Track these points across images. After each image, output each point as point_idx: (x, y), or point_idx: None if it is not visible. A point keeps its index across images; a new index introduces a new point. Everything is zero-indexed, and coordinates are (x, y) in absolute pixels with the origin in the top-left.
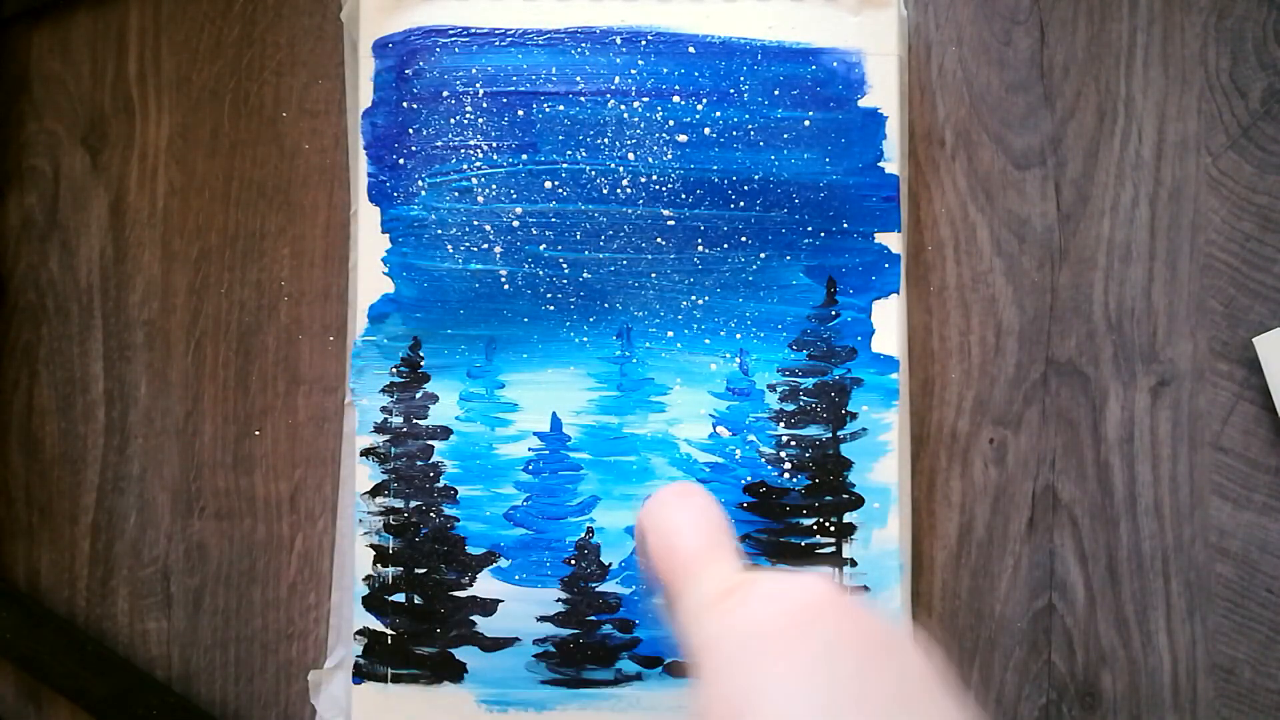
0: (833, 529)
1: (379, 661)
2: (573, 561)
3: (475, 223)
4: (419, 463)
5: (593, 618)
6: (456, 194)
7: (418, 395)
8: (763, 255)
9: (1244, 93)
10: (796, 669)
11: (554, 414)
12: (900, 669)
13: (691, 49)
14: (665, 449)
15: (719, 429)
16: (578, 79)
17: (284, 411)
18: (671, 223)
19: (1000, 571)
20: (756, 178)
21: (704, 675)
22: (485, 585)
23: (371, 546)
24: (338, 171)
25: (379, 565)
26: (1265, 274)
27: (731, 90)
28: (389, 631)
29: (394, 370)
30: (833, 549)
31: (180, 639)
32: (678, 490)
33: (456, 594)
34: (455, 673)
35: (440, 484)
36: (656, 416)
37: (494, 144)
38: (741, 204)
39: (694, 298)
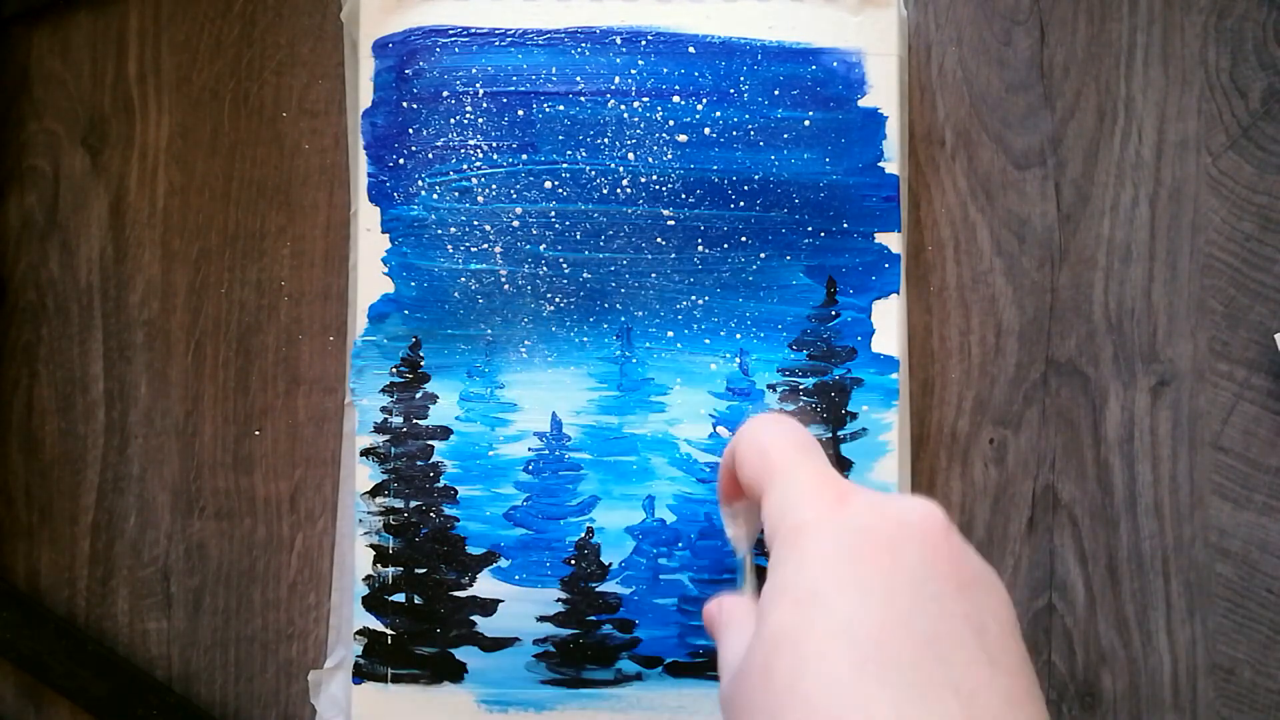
0: None
1: (379, 661)
2: (573, 561)
3: (475, 223)
4: (419, 463)
5: (593, 618)
6: (456, 194)
7: (418, 395)
8: (763, 255)
9: (1244, 93)
10: (877, 582)
11: (554, 414)
12: (975, 608)
13: (691, 49)
14: (665, 449)
15: (719, 429)
16: (578, 79)
17: (284, 411)
18: (671, 223)
19: (1000, 571)
20: (756, 178)
21: (784, 561)
22: (485, 585)
23: (371, 546)
24: (338, 171)
25: (379, 565)
26: (1265, 274)
27: (731, 90)
28: (389, 631)
29: (394, 370)
30: None
31: (180, 639)
32: (770, 416)
33: (456, 594)
34: (455, 673)
35: (440, 484)
36: (656, 416)
37: (494, 144)
38: (741, 204)
39: (694, 298)
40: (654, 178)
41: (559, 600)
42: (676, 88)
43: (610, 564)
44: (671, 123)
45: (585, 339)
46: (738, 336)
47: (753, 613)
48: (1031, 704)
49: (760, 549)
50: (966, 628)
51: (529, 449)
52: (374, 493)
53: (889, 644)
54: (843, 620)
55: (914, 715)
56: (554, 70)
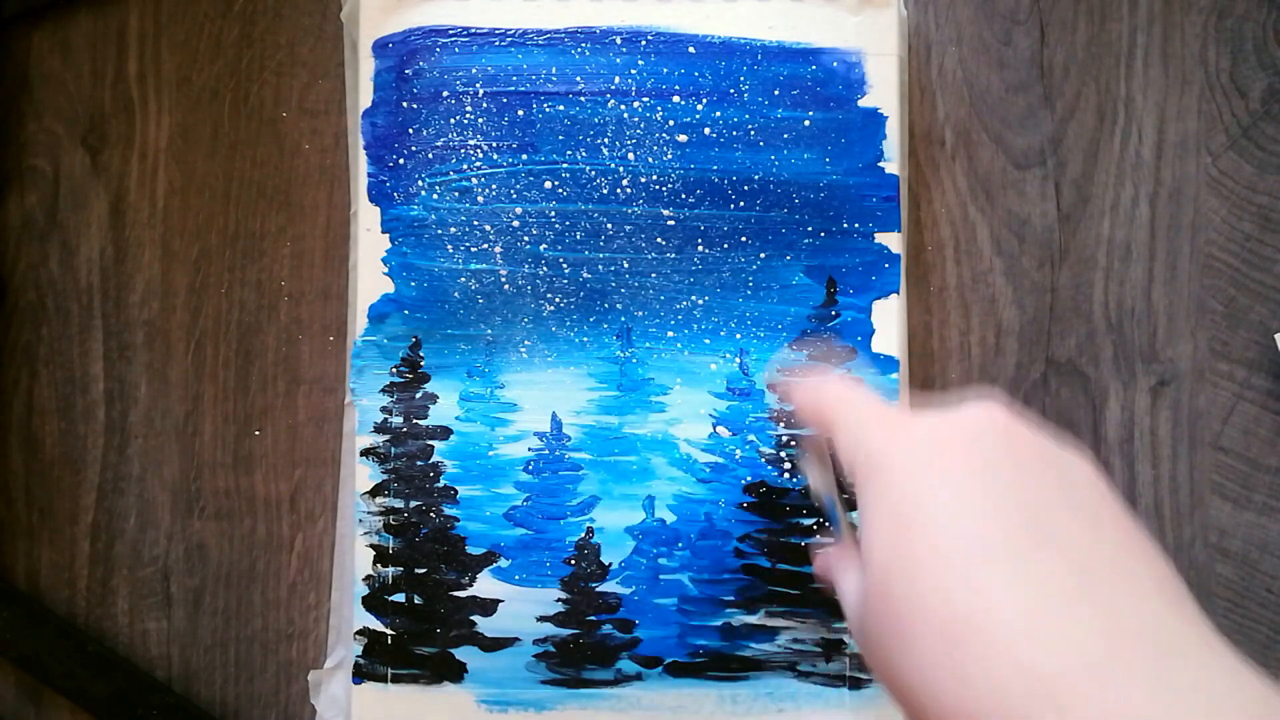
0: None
1: (379, 661)
2: (573, 561)
3: (475, 223)
4: (419, 463)
5: (593, 618)
6: (456, 194)
7: (418, 395)
8: (763, 255)
9: (1244, 93)
10: (962, 477)
11: (554, 414)
12: (1062, 479)
13: (691, 49)
14: (665, 449)
15: (719, 429)
16: (578, 79)
17: (284, 411)
18: (671, 223)
19: None
20: (756, 178)
21: (871, 488)
22: (485, 585)
23: (371, 546)
24: (338, 171)
25: (379, 565)
26: (1265, 274)
27: (731, 90)
28: (389, 631)
29: (394, 370)
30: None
31: (180, 639)
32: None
33: (456, 594)
34: (455, 673)
35: (440, 484)
36: (656, 416)
37: (494, 144)
38: (741, 204)
39: (694, 298)
40: (654, 178)
41: (559, 600)
42: (676, 88)
43: (610, 564)
44: (671, 123)
45: (585, 339)
46: (738, 336)
47: (858, 554)
48: (1143, 557)
49: (842, 490)
50: (1058, 490)
51: (529, 449)
52: (374, 493)
53: (988, 527)
54: (940, 524)
55: (1025, 578)
56: (554, 70)
